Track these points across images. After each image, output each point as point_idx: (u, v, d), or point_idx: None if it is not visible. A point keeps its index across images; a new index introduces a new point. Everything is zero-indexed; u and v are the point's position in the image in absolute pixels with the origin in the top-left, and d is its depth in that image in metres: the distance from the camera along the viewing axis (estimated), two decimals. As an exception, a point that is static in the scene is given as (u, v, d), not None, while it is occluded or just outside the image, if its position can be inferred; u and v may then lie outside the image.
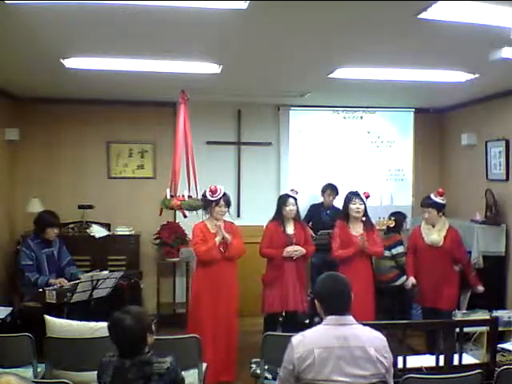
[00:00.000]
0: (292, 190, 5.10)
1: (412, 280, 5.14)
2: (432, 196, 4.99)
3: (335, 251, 4.96)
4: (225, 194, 4.69)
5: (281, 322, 5.18)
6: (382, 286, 5.67)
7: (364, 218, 4.93)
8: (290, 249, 4.90)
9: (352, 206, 4.92)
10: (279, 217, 5.00)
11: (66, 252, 5.21)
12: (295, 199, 5.00)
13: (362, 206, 4.90)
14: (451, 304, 4.94)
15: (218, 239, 4.61)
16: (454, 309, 4.96)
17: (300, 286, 4.99)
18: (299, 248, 4.92)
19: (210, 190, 4.63)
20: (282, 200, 5.02)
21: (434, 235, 4.93)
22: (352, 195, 4.97)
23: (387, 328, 3.20)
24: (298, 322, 4.99)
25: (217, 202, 4.64)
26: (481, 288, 5.02)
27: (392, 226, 5.84)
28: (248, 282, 5.12)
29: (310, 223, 6.28)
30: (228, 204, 4.72)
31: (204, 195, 4.70)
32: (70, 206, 6.23)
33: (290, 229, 5.00)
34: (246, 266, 5.09)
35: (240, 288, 4.87)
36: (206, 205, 4.67)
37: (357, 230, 4.93)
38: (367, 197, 4.95)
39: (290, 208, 4.95)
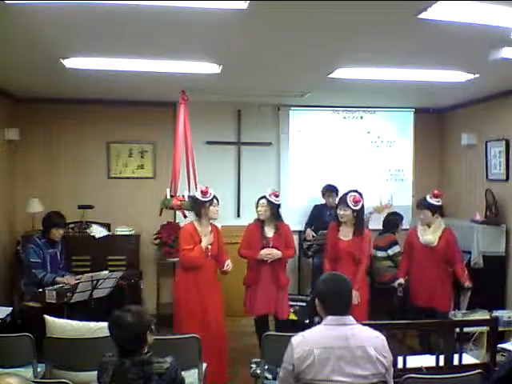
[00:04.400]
0: (272, 190, 4.96)
1: (400, 281, 5.14)
2: (427, 198, 4.95)
3: (325, 259, 4.89)
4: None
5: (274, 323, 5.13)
6: (381, 286, 5.68)
7: (354, 222, 4.75)
8: (263, 252, 4.82)
9: (338, 212, 4.82)
10: (259, 218, 4.95)
11: (63, 257, 5.23)
12: (269, 201, 4.85)
13: (347, 212, 4.72)
14: (444, 304, 4.94)
15: (203, 244, 4.52)
16: (447, 308, 4.96)
17: (277, 289, 4.90)
18: (273, 251, 4.83)
19: (202, 192, 4.55)
20: (256, 202, 4.96)
21: (429, 235, 4.93)
22: (339, 201, 4.90)
23: (387, 328, 3.20)
24: (288, 325, 4.94)
25: (211, 202, 4.58)
26: (468, 284, 4.97)
27: (390, 210, 5.85)
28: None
29: (313, 226, 6.28)
30: (218, 203, 4.67)
31: (194, 198, 4.63)
32: (69, 206, 6.22)
33: (270, 231, 4.91)
34: (242, 266, 5.06)
35: (236, 288, 4.86)
36: (199, 207, 4.58)
37: (345, 234, 4.81)
38: (356, 202, 4.72)
39: (258, 209, 4.90)
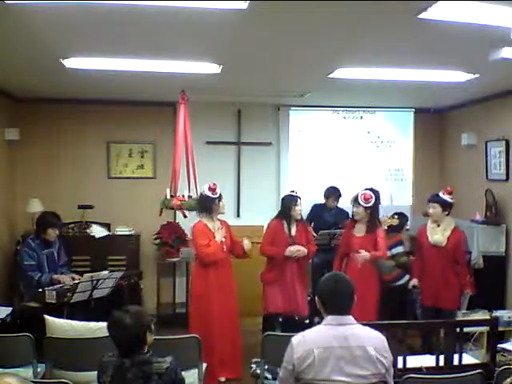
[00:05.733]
0: (292, 191, 5.05)
1: (414, 282, 5.07)
2: (440, 193, 4.90)
3: (336, 256, 5.06)
4: None
5: (281, 323, 5.15)
6: (383, 286, 5.67)
7: (367, 219, 4.84)
8: (292, 248, 4.88)
9: (352, 210, 4.94)
10: (284, 216, 4.96)
11: (63, 254, 5.22)
12: (300, 199, 5.00)
13: (359, 209, 4.82)
14: (452, 304, 4.88)
15: (218, 238, 4.64)
16: (455, 308, 4.92)
17: (301, 287, 4.99)
18: (302, 248, 4.91)
19: (210, 188, 4.64)
20: (291, 200, 4.95)
21: (438, 235, 4.84)
22: (352, 200, 4.95)
23: (387, 328, 3.20)
24: (297, 324, 4.96)
25: (219, 198, 4.68)
26: (468, 291, 4.98)
27: (395, 224, 5.83)
28: (247, 281, 5.10)
29: (312, 224, 6.27)
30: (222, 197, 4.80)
31: (204, 195, 4.68)
32: (70, 206, 6.23)
33: (293, 229, 4.98)
34: (245, 265, 5.07)
35: (239, 288, 4.87)
36: (209, 203, 4.66)
37: (359, 230, 4.91)
38: (367, 199, 4.79)
39: (299, 208, 4.95)
